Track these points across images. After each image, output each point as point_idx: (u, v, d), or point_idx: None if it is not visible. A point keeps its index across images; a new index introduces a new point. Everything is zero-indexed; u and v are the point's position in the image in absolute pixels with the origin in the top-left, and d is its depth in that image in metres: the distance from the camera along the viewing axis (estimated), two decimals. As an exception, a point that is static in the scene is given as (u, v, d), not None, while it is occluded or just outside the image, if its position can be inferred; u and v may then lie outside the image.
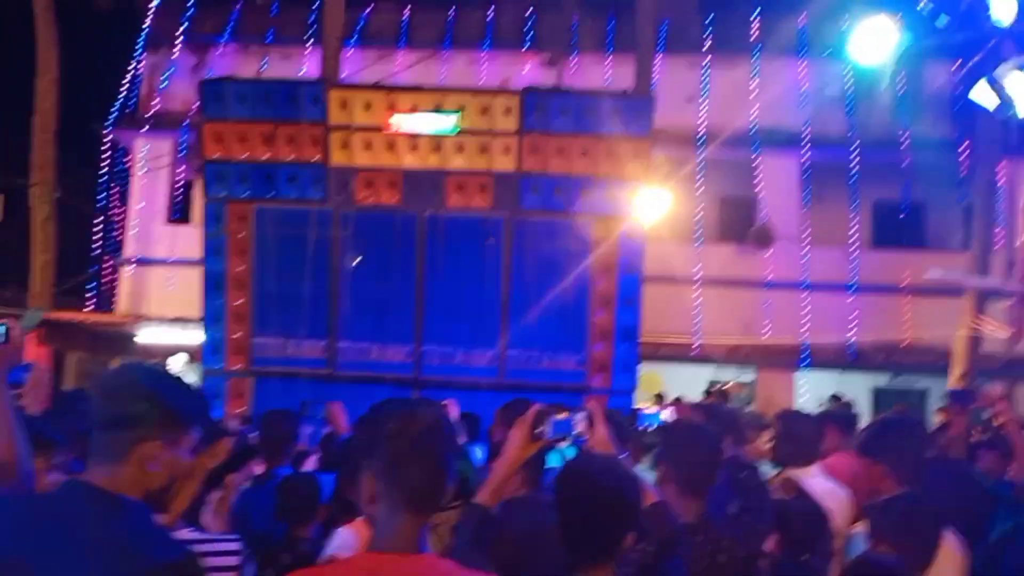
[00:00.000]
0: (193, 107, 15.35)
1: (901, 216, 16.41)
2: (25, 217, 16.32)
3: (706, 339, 14.93)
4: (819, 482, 4.30)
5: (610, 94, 9.84)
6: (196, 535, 2.70)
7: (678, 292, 14.81)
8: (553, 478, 2.69)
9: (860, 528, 3.52)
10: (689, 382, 14.05)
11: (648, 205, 10.15)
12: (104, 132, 16.35)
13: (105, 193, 16.44)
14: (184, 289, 14.85)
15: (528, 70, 16.06)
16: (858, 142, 15.92)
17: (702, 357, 15.04)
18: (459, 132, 9.62)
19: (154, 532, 2.03)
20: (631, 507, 2.50)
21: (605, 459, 2.65)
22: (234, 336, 9.95)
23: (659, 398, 11.72)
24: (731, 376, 16.13)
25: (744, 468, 3.73)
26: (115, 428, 2.00)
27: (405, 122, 9.65)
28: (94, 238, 16.53)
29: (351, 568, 1.98)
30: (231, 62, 15.86)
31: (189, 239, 15.43)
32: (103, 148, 16.36)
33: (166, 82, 16.46)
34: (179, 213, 16.99)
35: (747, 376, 16.22)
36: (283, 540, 3.77)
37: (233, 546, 2.78)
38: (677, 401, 4.28)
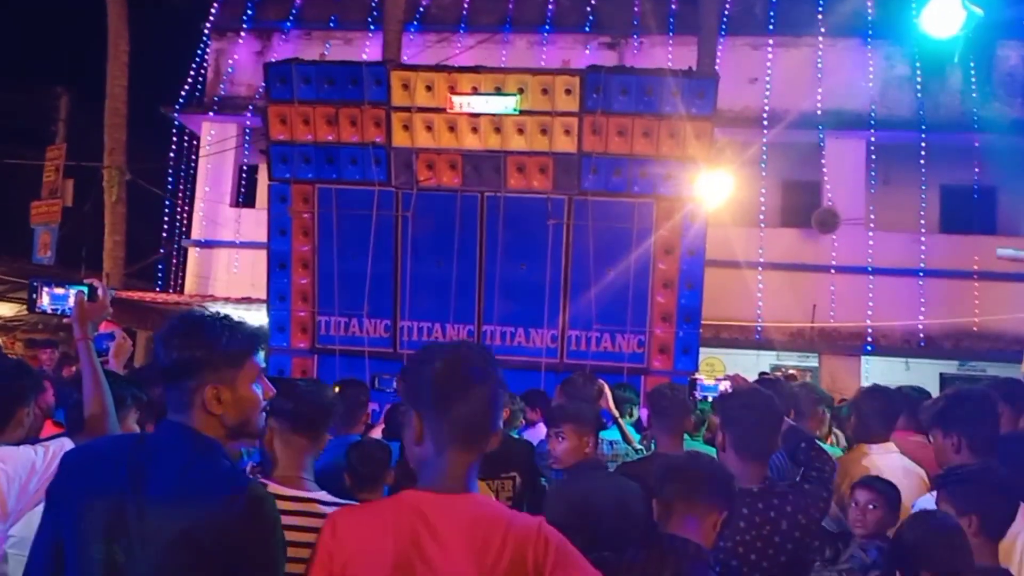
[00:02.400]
0: (257, 92, 15.65)
1: (972, 199, 16.03)
2: (96, 200, 16.75)
3: (768, 324, 14.78)
4: (896, 459, 4.26)
5: (673, 73, 9.69)
6: (308, 493, 2.77)
7: (740, 276, 14.68)
8: None
9: (928, 496, 3.47)
10: (751, 368, 13.92)
11: (711, 187, 10.04)
12: (172, 117, 16.70)
13: (173, 177, 16.80)
14: (248, 271, 15.18)
15: (589, 52, 16.00)
16: (926, 124, 15.57)
17: (764, 342, 14.90)
18: (520, 113, 9.61)
19: (233, 472, 2.10)
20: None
21: None
22: (299, 315, 10.11)
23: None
24: (793, 362, 15.95)
25: (806, 438, 3.70)
26: (174, 378, 2.09)
27: (466, 103, 9.67)
28: (163, 221, 16.92)
29: (395, 506, 1.99)
30: (294, 47, 16.06)
31: (253, 222, 15.74)
32: (171, 132, 16.72)
33: (231, 67, 16.72)
34: (243, 197, 17.30)
35: (810, 362, 16.01)
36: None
37: (328, 498, 2.85)
38: (735, 375, 4.26)
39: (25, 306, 19.39)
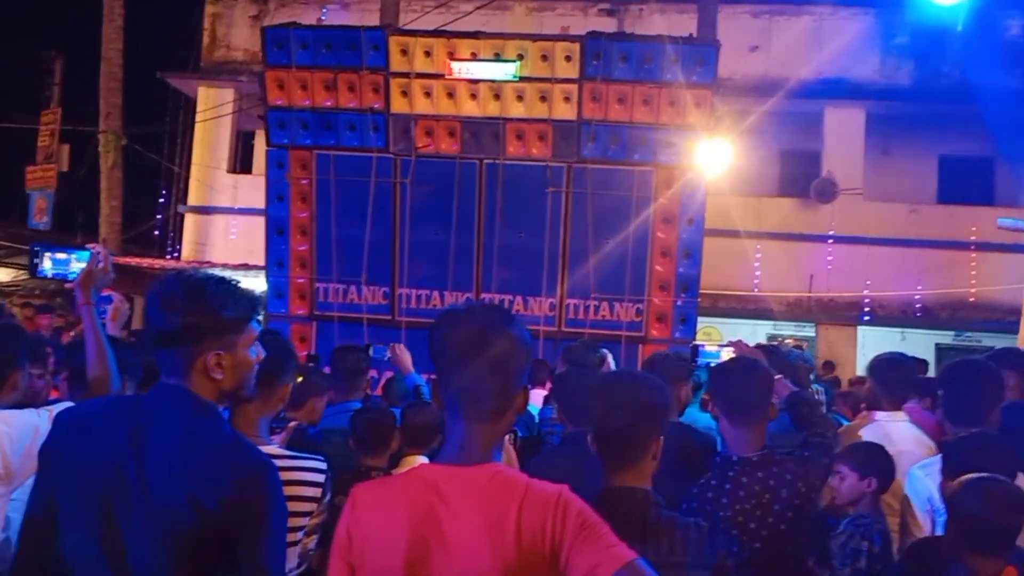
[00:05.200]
0: (253, 56, 15.52)
1: (970, 170, 15.99)
2: (92, 165, 16.66)
3: (766, 293, 14.80)
4: (906, 427, 4.26)
5: (673, 41, 9.62)
6: (285, 451, 2.76)
7: (738, 246, 14.67)
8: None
9: (933, 458, 3.49)
10: (748, 337, 13.86)
11: (710, 156, 10.01)
12: (168, 81, 16.58)
13: (169, 142, 16.70)
14: (246, 237, 15.13)
15: (588, 19, 15.87)
16: (926, 94, 15.50)
17: (762, 312, 14.93)
18: (519, 79, 9.54)
19: (235, 435, 2.10)
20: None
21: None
22: (297, 281, 10.09)
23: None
24: (790, 331, 15.99)
25: (807, 404, 3.71)
26: (174, 342, 2.05)
27: (465, 69, 9.60)
28: (159, 186, 16.86)
29: (411, 479, 1.94)
30: (291, 12, 15.91)
31: (249, 188, 15.68)
32: (167, 97, 16.60)
33: (227, 32, 16.57)
34: (240, 163, 17.22)
35: (807, 331, 16.05)
36: (356, 470, 3.85)
37: (320, 465, 2.85)
38: (738, 341, 4.26)
39: (21, 271, 19.38)
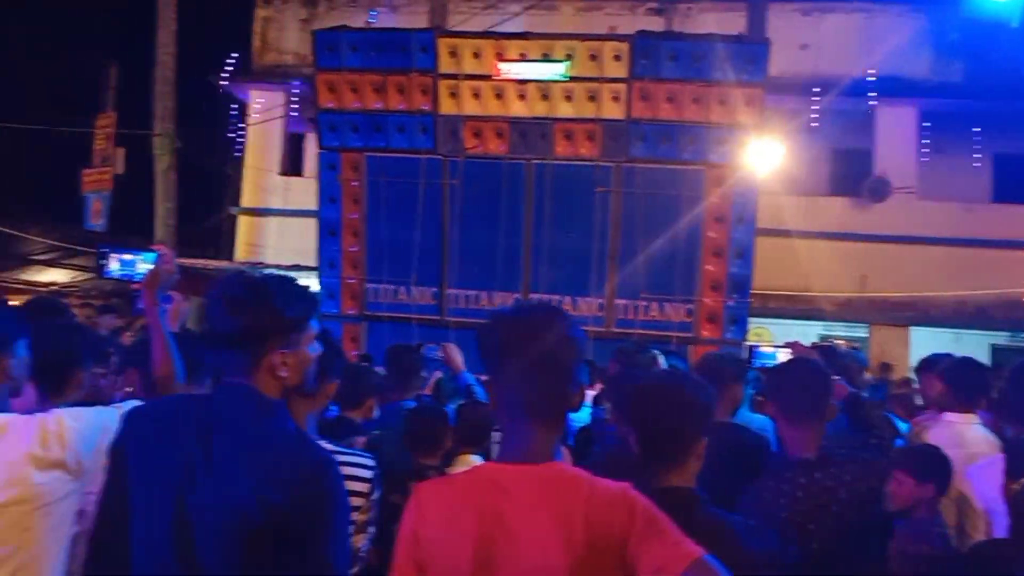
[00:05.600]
0: (303, 60, 15.68)
1: (1025, 169, 15.66)
2: (147, 168, 16.94)
3: (817, 294, 14.62)
4: (979, 429, 4.19)
5: (723, 39, 9.57)
6: (333, 446, 2.80)
7: (789, 245, 14.49)
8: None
9: (992, 459, 3.44)
10: (799, 338, 13.73)
11: (761, 155, 9.93)
12: (220, 85, 16.82)
13: (222, 145, 16.94)
14: (297, 238, 15.28)
15: (637, 18, 15.80)
16: (980, 91, 15.19)
17: (813, 312, 14.75)
18: (568, 79, 9.57)
19: (300, 433, 2.13)
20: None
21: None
22: (348, 281, 10.20)
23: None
24: (842, 332, 15.77)
25: (865, 405, 3.66)
26: (240, 344, 2.08)
27: (513, 70, 9.64)
28: (213, 188, 17.13)
29: (476, 478, 1.95)
30: (340, 15, 16.05)
31: (300, 190, 15.85)
32: (220, 101, 16.84)
33: (278, 35, 16.78)
34: (291, 165, 17.42)
35: (859, 332, 15.83)
36: (410, 468, 3.88)
37: (368, 462, 2.88)
38: (795, 342, 4.22)
39: (79, 272, 19.79)
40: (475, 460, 4.10)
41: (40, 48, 22.68)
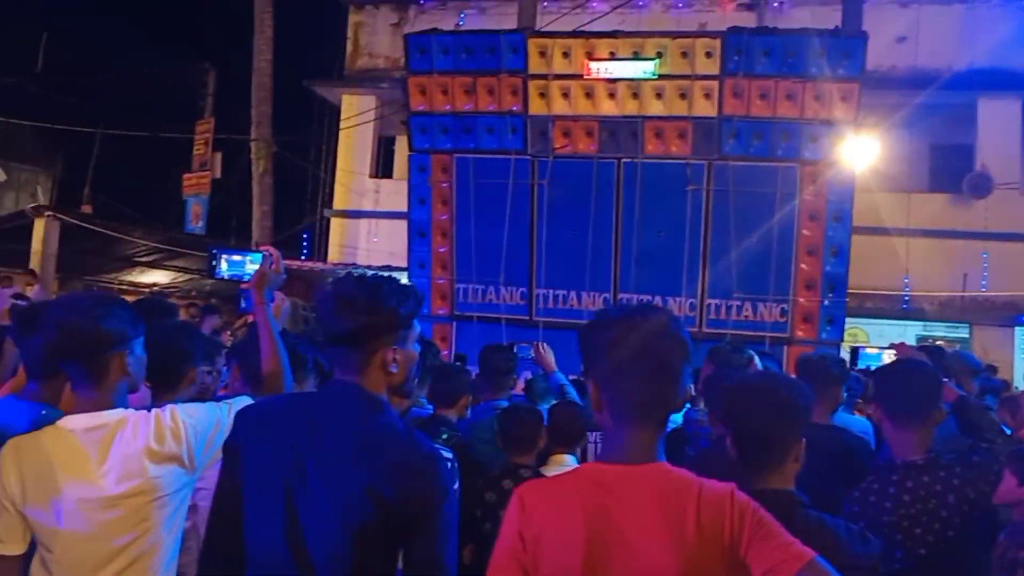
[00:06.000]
0: (394, 63, 15.92)
1: None
2: (244, 172, 17.45)
3: (916, 293, 14.20)
4: None
5: (818, 34, 9.37)
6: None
7: (887, 244, 14.13)
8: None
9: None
10: (897, 338, 13.42)
11: (857, 151, 9.69)
12: (313, 90, 17.19)
13: (315, 148, 17.31)
14: (387, 239, 15.55)
15: (727, 15, 15.60)
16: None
17: (912, 312, 14.34)
18: (658, 77, 9.49)
19: (408, 429, 2.17)
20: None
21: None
22: (438, 282, 10.30)
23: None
24: (942, 332, 15.29)
25: (975, 409, 3.55)
26: (356, 342, 2.13)
27: (603, 68, 9.61)
28: (306, 191, 17.53)
29: (580, 479, 1.94)
30: (430, 18, 16.25)
31: (391, 192, 16.11)
32: (313, 105, 17.21)
33: (369, 39, 17.05)
34: (382, 167, 17.69)
35: (960, 332, 15.32)
36: (504, 467, 3.91)
37: (446, 454, 2.92)
38: (901, 343, 4.10)
39: (179, 273, 20.45)
40: (569, 460, 4.11)
41: (143, 57, 23.50)
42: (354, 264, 15.54)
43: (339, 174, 17.19)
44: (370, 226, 16.68)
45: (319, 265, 15.77)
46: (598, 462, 1.96)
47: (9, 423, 2.88)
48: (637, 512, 1.83)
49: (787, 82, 9.21)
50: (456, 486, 2.99)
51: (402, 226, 11.20)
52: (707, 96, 9.40)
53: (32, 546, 2.40)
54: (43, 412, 2.91)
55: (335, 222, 17.26)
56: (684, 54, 9.40)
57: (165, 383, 2.91)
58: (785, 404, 2.47)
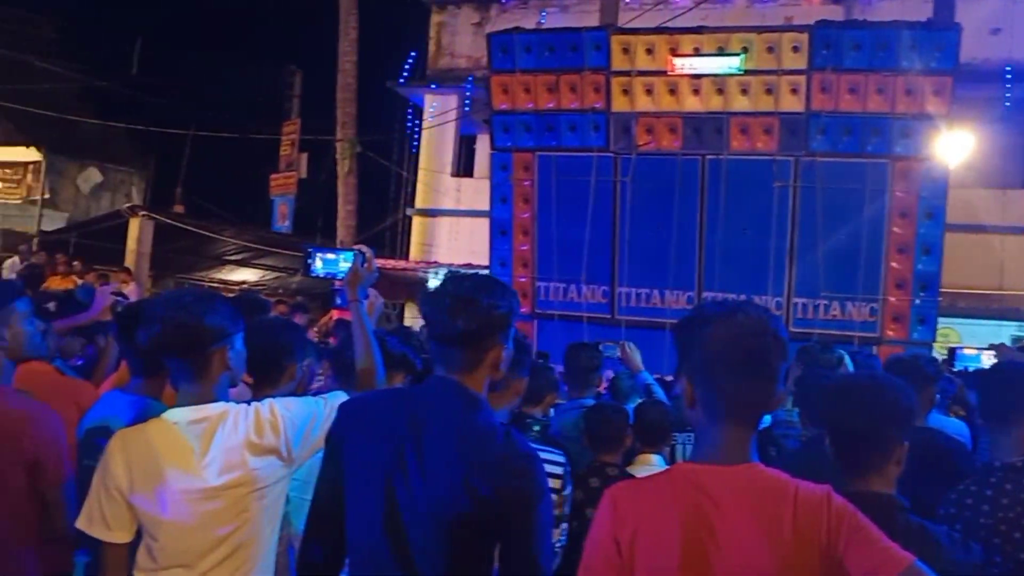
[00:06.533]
0: (476, 63, 16.01)
1: None
2: (329, 172, 17.76)
3: (1012, 292, 13.72)
4: None
5: (909, 26, 9.13)
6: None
7: (982, 241, 13.68)
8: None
9: None
10: (991, 339, 12.98)
11: (950, 146, 9.42)
12: (397, 90, 17.40)
13: (398, 148, 17.53)
14: (468, 238, 15.65)
15: (813, 8, 15.28)
16: None
17: (1007, 312, 13.85)
18: (744, 72, 9.37)
19: (506, 428, 2.19)
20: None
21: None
22: (519, 280, 10.33)
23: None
24: (1039, 333, 14.73)
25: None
26: (469, 341, 2.15)
27: (688, 64, 9.52)
28: (389, 190, 17.78)
29: (673, 479, 1.91)
30: (511, 17, 16.28)
31: (472, 190, 16.22)
32: (396, 105, 17.42)
33: (451, 39, 17.18)
34: (463, 166, 17.82)
35: (1059, 333, 14.74)
36: (591, 466, 3.90)
37: (559, 458, 2.92)
38: (1000, 344, 3.97)
39: (267, 272, 20.92)
40: (656, 460, 4.09)
41: (232, 60, 24.12)
42: (435, 262, 15.68)
43: (421, 173, 17.36)
44: (451, 224, 16.80)
45: (401, 263, 15.95)
46: (691, 462, 1.93)
47: (115, 415, 2.99)
48: (733, 513, 1.80)
49: (877, 76, 9.02)
50: (569, 490, 3.00)
51: (483, 224, 11.26)
52: (794, 91, 9.25)
53: (138, 535, 2.47)
54: (147, 405, 3.03)
55: (417, 220, 17.44)
56: (770, 49, 9.26)
57: (266, 377, 2.99)
58: (890, 405, 2.41)
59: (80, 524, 2.45)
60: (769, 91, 9.30)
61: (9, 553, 2.65)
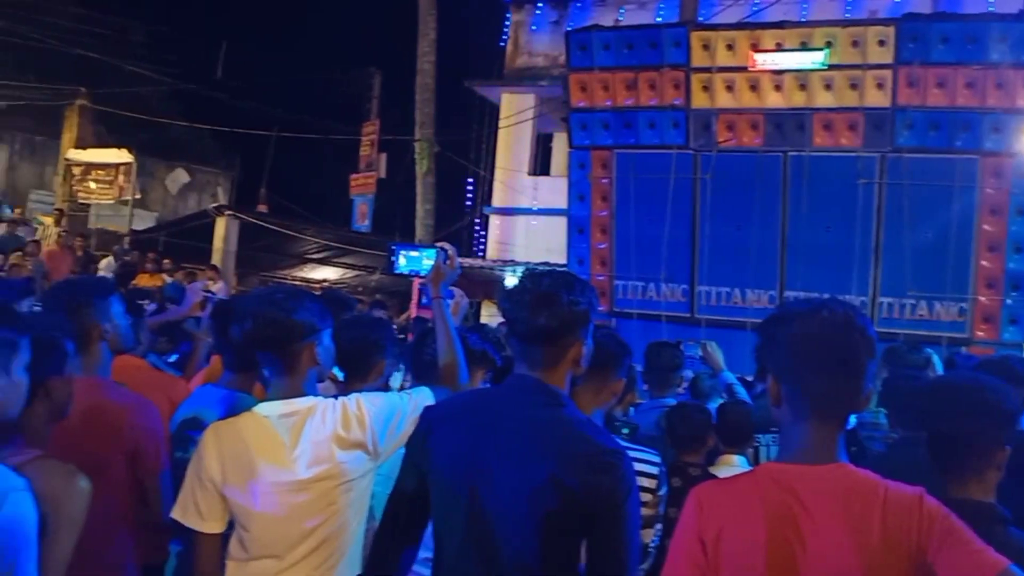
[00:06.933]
0: (553, 61, 16.01)
1: None
2: (407, 172, 17.96)
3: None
4: None
5: (999, 18, 8.87)
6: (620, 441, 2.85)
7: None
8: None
9: None
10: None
11: (1044, 141, 9.10)
12: (474, 89, 17.49)
13: (475, 147, 17.62)
14: (545, 236, 15.64)
15: (898, 1, 14.88)
16: None
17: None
18: (827, 67, 9.20)
19: (591, 422, 2.20)
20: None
21: None
22: (597, 279, 10.31)
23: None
24: None
25: None
26: (551, 338, 2.16)
27: (769, 60, 9.39)
28: (466, 189, 17.89)
29: (759, 479, 1.88)
30: (589, 15, 16.23)
31: (548, 189, 16.20)
32: (473, 105, 17.52)
33: (529, 38, 17.20)
34: (539, 165, 17.82)
35: None
36: (672, 465, 3.88)
37: (654, 458, 2.91)
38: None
39: (347, 270, 21.25)
40: (739, 461, 4.05)
41: (313, 62, 24.57)
42: (512, 261, 15.72)
43: (498, 172, 17.41)
44: (528, 223, 16.82)
45: (477, 262, 16.03)
46: (778, 462, 1.91)
47: (206, 409, 3.09)
48: (820, 514, 1.78)
49: (967, 70, 8.78)
50: (665, 491, 2.98)
51: (559, 223, 11.26)
52: (880, 86, 9.06)
53: (230, 525, 2.54)
54: (238, 399, 3.11)
55: (494, 219, 17.51)
56: (855, 43, 9.08)
57: (357, 372, 3.05)
58: (992, 407, 2.34)
59: (175, 514, 2.51)
60: (854, 86, 9.12)
61: (111, 539, 2.74)
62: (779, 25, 9.65)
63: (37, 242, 15.43)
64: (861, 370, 1.83)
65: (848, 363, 1.82)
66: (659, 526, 2.94)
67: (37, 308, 4.76)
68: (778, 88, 9.42)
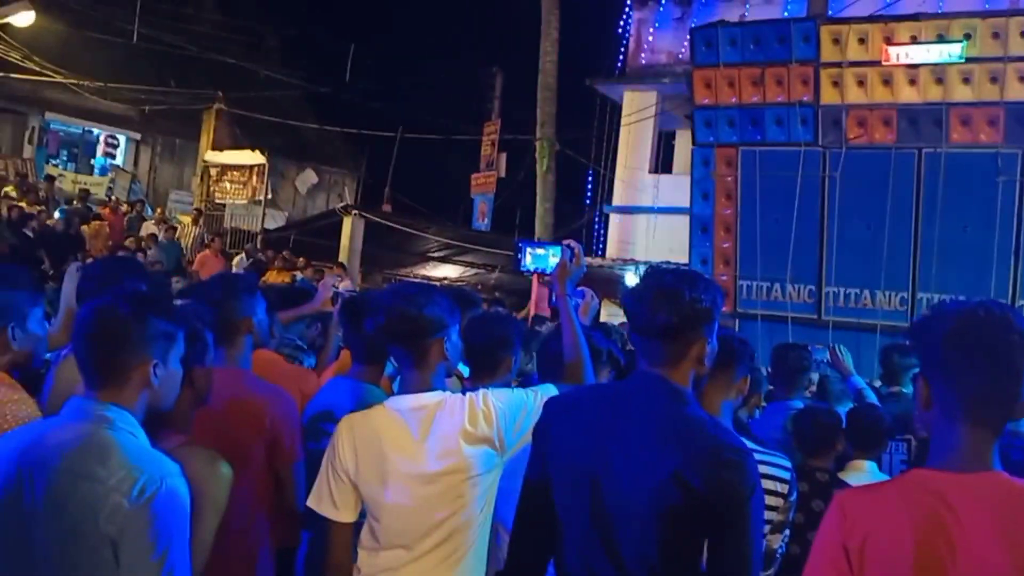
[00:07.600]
0: (676, 58, 15.84)
1: None
2: (527, 170, 18.07)
3: None
4: None
5: None
6: (751, 444, 2.82)
7: None
8: None
9: None
10: None
11: None
12: (596, 88, 17.46)
13: (596, 145, 17.58)
14: (666, 235, 15.49)
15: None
16: None
17: None
18: (965, 60, 8.82)
19: (715, 421, 2.19)
20: None
21: None
22: (720, 278, 10.13)
23: None
24: None
25: None
26: (673, 335, 2.15)
27: (903, 53, 9.06)
28: (586, 188, 17.89)
29: (907, 485, 1.81)
30: (714, 11, 15.98)
31: (670, 187, 16.03)
32: (595, 103, 17.48)
33: (652, 35, 17.07)
34: (661, 163, 17.66)
35: None
36: (799, 469, 3.80)
37: (785, 463, 2.86)
38: None
39: (467, 268, 21.53)
40: (869, 467, 3.94)
41: (437, 64, 24.97)
42: (632, 260, 15.63)
43: (619, 170, 17.33)
44: (648, 221, 16.68)
45: (597, 260, 15.99)
46: (927, 468, 1.82)
47: (338, 402, 3.20)
48: (973, 525, 1.70)
49: (1119, 60, 8.28)
50: (795, 496, 2.93)
51: (681, 221, 11.12)
52: (1021, 79, 8.65)
53: (362, 515, 2.62)
54: (366, 391, 3.21)
55: (614, 218, 17.43)
56: (995, 35, 8.69)
57: (485, 368, 3.11)
58: None
59: (310, 503, 2.61)
60: (994, 79, 8.72)
61: (250, 523, 2.86)
62: (914, 17, 9.29)
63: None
64: (1019, 373, 1.74)
65: (1004, 363, 1.73)
66: (787, 532, 2.88)
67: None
68: (913, 82, 9.08)
